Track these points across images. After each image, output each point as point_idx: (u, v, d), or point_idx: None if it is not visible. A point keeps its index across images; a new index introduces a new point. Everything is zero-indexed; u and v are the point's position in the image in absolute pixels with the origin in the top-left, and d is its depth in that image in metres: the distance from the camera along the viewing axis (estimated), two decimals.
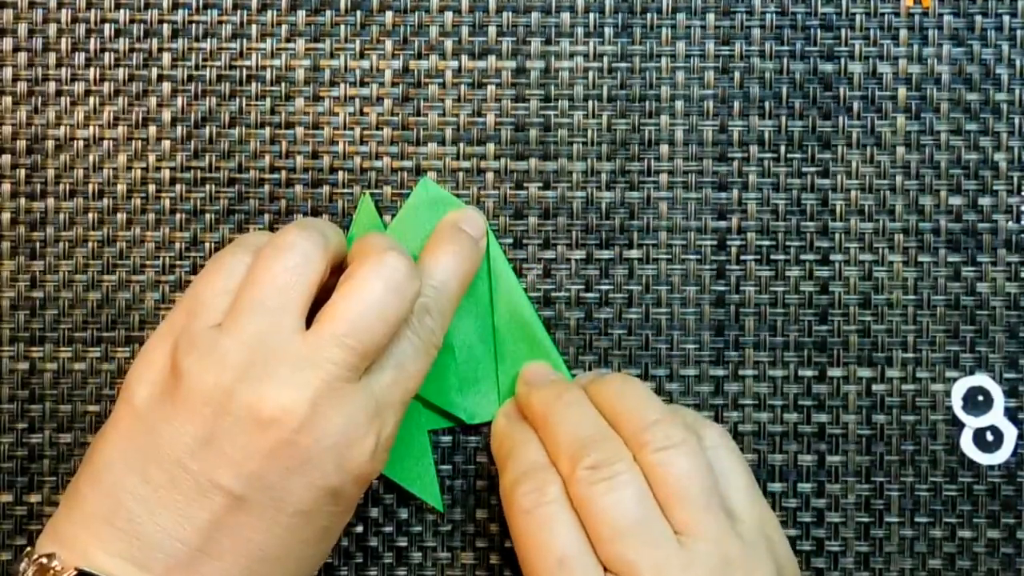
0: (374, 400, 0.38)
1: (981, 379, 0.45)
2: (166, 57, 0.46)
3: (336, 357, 0.37)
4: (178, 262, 0.46)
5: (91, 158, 0.46)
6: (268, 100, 0.46)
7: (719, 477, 0.40)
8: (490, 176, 0.46)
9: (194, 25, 0.46)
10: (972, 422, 0.45)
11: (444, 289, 0.41)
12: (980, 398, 0.45)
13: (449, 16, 0.46)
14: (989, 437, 0.45)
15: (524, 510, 0.39)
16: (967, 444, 0.45)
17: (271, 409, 0.36)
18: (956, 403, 0.45)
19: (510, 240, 0.46)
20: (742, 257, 0.46)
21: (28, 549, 0.37)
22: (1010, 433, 0.45)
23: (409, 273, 0.38)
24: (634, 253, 0.46)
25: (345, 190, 0.46)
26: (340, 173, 0.46)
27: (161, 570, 0.36)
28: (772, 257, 0.46)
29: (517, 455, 0.41)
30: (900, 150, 0.46)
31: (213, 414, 0.36)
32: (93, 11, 0.46)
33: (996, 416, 0.45)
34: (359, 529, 0.45)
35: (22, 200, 0.46)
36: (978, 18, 0.46)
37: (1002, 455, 0.45)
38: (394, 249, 0.39)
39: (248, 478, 0.36)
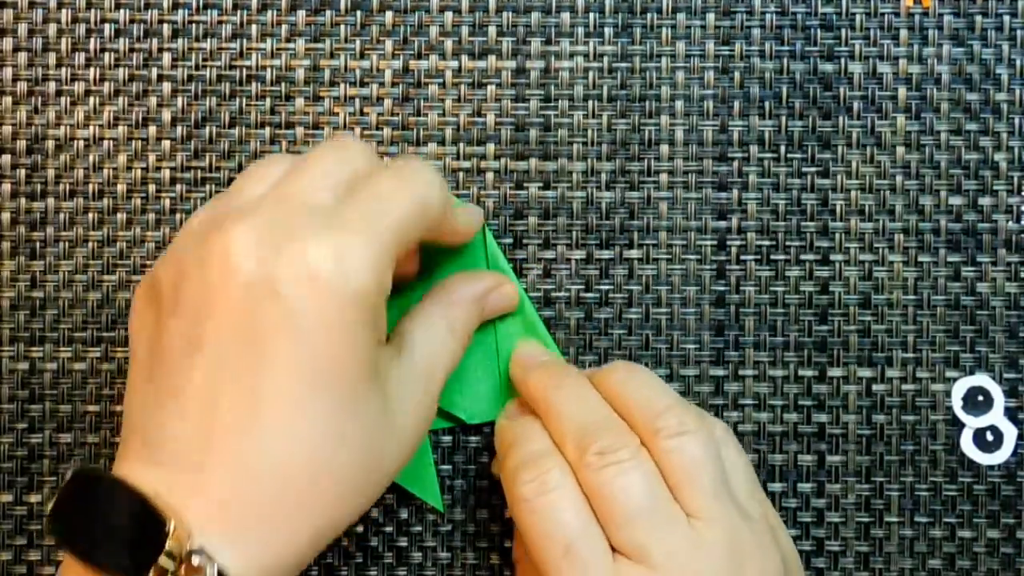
0: (339, 220, 0.35)
1: (981, 379, 0.45)
2: (166, 57, 0.46)
3: (289, 197, 0.36)
4: None
5: (91, 158, 0.46)
6: (268, 100, 0.46)
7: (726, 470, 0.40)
8: (490, 176, 0.46)
9: (194, 25, 0.46)
10: (972, 422, 0.45)
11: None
12: (980, 398, 0.45)
13: (449, 16, 0.46)
14: (989, 437, 0.45)
15: (526, 499, 0.39)
16: (967, 444, 0.45)
17: (219, 256, 0.34)
18: (956, 403, 0.45)
19: (510, 240, 0.46)
20: (742, 257, 0.46)
21: None
22: (1010, 433, 0.45)
23: (358, 145, 0.38)
24: (634, 253, 0.46)
25: None
26: None
27: (177, 472, 0.35)
28: (772, 257, 0.46)
29: (517, 445, 0.41)
30: (900, 150, 0.46)
31: (175, 286, 0.35)
32: (93, 11, 0.46)
33: (996, 416, 0.45)
34: (359, 529, 0.45)
35: (22, 200, 0.46)
36: (978, 18, 0.46)
37: (1002, 455, 0.45)
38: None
39: (220, 343, 0.34)
